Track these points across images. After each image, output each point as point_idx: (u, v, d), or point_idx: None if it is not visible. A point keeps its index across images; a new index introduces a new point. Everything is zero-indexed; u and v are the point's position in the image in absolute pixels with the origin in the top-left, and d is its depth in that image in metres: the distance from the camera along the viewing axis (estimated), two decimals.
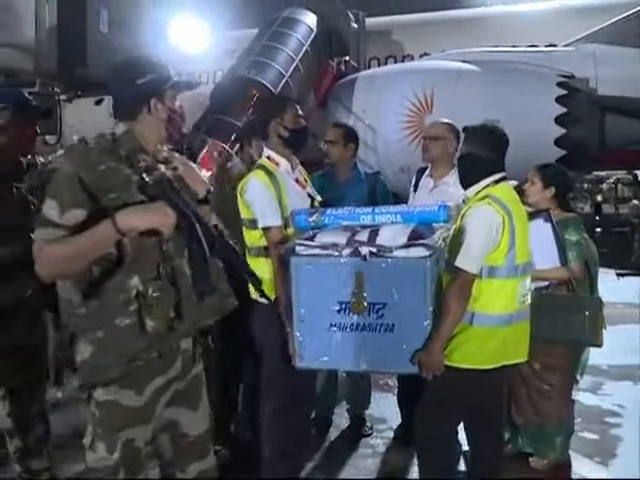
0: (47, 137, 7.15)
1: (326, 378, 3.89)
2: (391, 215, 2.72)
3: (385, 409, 4.27)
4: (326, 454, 3.74)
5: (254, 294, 2.74)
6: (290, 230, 2.88)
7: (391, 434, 3.93)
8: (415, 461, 2.98)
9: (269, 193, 2.87)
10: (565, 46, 9.98)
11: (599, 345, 3.32)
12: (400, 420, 3.88)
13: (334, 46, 11.48)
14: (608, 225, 16.59)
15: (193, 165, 2.19)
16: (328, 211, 2.82)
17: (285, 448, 2.96)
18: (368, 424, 4.05)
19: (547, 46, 10.49)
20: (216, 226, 2.08)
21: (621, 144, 9.47)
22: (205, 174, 2.63)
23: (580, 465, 3.50)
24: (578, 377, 3.53)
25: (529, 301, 2.77)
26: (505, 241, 2.60)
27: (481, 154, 2.71)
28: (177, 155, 2.20)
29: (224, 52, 11.41)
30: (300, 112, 3.08)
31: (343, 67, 11.77)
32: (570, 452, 3.47)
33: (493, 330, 2.62)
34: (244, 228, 2.98)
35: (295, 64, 10.12)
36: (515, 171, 2.92)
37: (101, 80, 6.96)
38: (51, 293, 3.06)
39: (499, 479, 2.85)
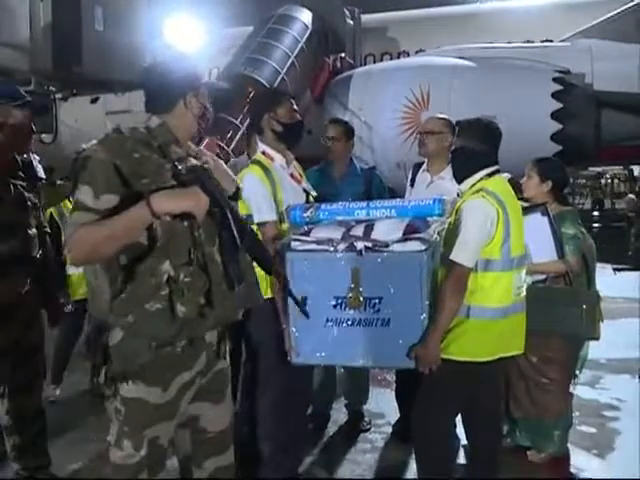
0: (43, 135, 7.14)
1: (324, 373, 3.88)
2: (386, 210, 2.72)
3: (383, 404, 4.27)
4: (324, 449, 3.74)
5: (267, 293, 2.74)
6: (285, 225, 2.88)
7: (389, 429, 3.93)
8: (413, 456, 2.98)
9: (264, 188, 2.86)
10: (561, 42, 9.99)
11: (596, 338, 3.34)
12: (398, 415, 3.88)
13: (330, 43, 11.49)
14: (606, 220, 16.61)
15: (222, 162, 2.20)
16: (323, 206, 2.81)
17: (284, 444, 2.96)
18: (366, 419, 4.04)
19: (543, 42, 10.50)
20: (245, 221, 2.09)
21: (617, 139, 9.50)
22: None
23: (578, 458, 3.50)
24: (577, 372, 3.53)
25: (524, 293, 2.77)
26: (500, 234, 2.60)
27: (474, 147, 2.71)
28: (206, 151, 2.21)
29: (220, 49, 11.40)
30: (295, 107, 3.06)
31: (339, 64, 11.80)
32: (568, 445, 3.47)
33: (489, 323, 2.62)
34: None
35: (291, 61, 10.14)
36: (511, 166, 2.92)
37: (96, 78, 6.98)
38: (46, 292, 3.09)
39: (497, 472, 2.86)
